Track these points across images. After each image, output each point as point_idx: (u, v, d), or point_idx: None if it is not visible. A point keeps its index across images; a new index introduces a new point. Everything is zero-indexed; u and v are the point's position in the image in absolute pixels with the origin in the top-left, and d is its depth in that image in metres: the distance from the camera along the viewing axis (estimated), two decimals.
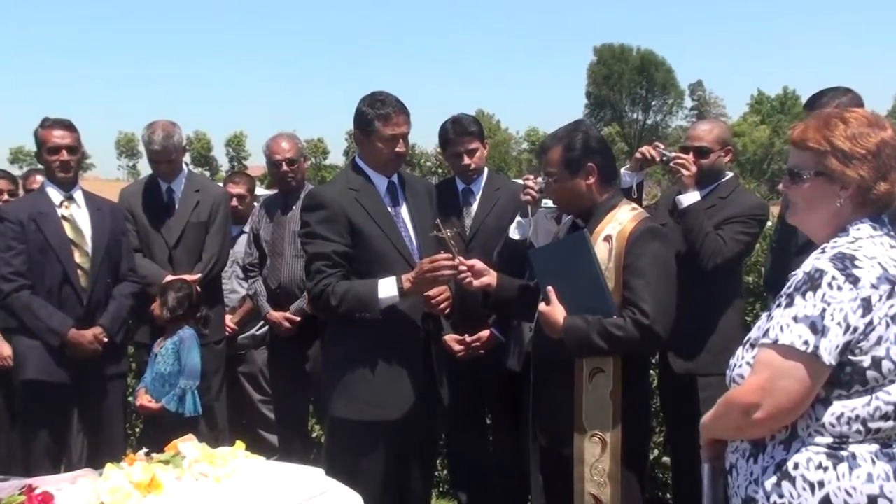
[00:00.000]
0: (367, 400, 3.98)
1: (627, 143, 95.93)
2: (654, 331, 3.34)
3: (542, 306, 3.55)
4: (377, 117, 4.01)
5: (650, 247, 3.43)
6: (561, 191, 3.66)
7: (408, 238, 4.11)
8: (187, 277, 5.36)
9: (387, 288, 3.91)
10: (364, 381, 3.99)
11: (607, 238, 3.49)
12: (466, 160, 4.99)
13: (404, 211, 4.17)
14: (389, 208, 4.12)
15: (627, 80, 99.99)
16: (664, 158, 4.51)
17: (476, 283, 3.89)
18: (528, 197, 4.46)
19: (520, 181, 4.75)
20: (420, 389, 4.03)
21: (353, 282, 3.95)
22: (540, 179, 4.45)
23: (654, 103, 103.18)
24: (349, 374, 4.03)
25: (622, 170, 4.66)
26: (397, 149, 4.05)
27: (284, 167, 5.69)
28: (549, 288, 3.54)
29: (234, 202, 6.21)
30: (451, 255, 3.85)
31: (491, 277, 3.91)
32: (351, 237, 3.99)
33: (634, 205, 3.69)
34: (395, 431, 4.02)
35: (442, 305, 4.06)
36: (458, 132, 4.98)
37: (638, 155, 4.57)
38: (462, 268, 3.84)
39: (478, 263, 3.91)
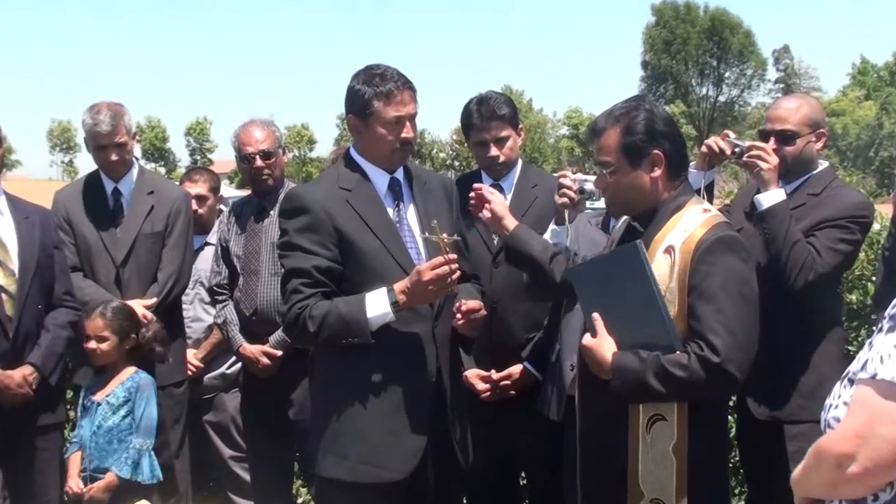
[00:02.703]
0: (361, 456, 3.98)
1: (695, 125, 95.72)
2: (726, 371, 3.32)
3: (586, 339, 3.56)
4: (376, 96, 4.00)
5: (723, 262, 3.40)
6: (617, 186, 3.63)
7: (414, 250, 4.10)
8: (140, 303, 5.40)
9: (377, 303, 3.90)
10: (356, 432, 3.99)
11: (669, 249, 3.47)
12: (494, 150, 5.02)
13: (411, 215, 4.18)
14: (391, 212, 4.13)
15: (694, 47, 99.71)
16: (737, 150, 4.51)
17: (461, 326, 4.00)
18: (565, 199, 4.47)
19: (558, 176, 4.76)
20: (430, 442, 4.01)
21: (336, 300, 3.95)
22: (579, 176, 4.46)
23: (728, 75, 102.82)
24: (337, 422, 4.03)
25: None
26: (404, 134, 4.04)
27: (258, 162, 5.73)
28: (595, 315, 3.54)
29: (194, 205, 6.21)
30: (453, 258, 3.84)
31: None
32: (339, 250, 3.99)
33: (708, 205, 3.68)
34: (398, 496, 4.01)
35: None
36: (485, 115, 5.00)
37: (704, 149, 4.57)
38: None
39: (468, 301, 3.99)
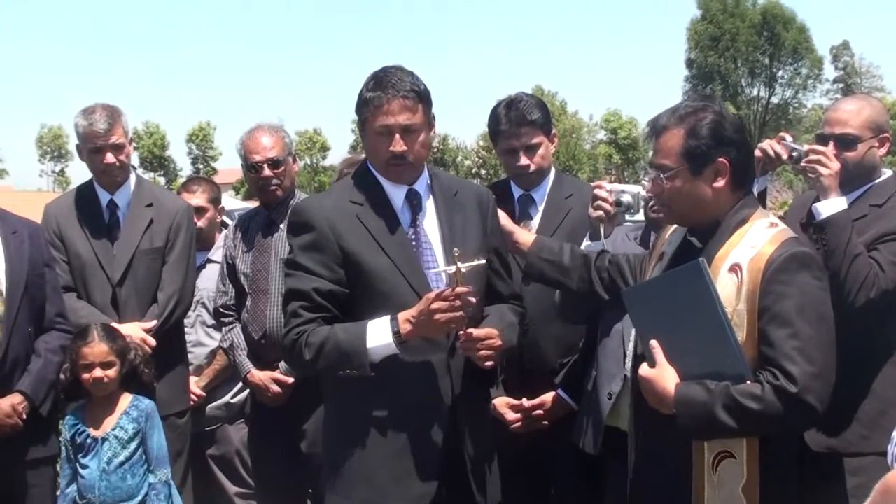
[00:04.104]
0: (365, 500, 3.97)
1: (745, 129, 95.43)
2: (805, 402, 3.28)
3: (643, 369, 3.53)
4: (367, 102, 4.00)
5: (798, 282, 3.37)
6: (675, 193, 3.60)
7: (433, 272, 4.04)
8: (139, 325, 5.42)
9: (378, 333, 3.87)
10: (361, 473, 3.98)
11: (734, 268, 3.44)
12: (524, 159, 5.02)
13: (432, 232, 4.13)
14: (408, 229, 4.10)
15: (744, 43, 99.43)
16: (794, 155, 4.51)
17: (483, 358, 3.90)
18: (600, 212, 4.46)
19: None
20: (443, 486, 3.97)
21: (335, 327, 3.93)
22: (616, 186, 4.45)
23: (781, 74, 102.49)
24: (342, 460, 4.03)
25: None
26: (392, 147, 3.99)
27: (266, 171, 5.75)
28: (653, 343, 3.51)
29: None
30: (465, 290, 3.78)
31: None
32: (346, 270, 3.98)
33: (775, 218, 3.65)
34: None
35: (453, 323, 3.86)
36: (515, 121, 5.01)
37: (758, 153, 4.57)
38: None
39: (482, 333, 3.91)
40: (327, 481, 4.11)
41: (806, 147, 4.54)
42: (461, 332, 3.87)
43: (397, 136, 3.97)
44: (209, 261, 6.42)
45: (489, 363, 3.95)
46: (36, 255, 5.16)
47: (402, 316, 3.84)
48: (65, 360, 5.13)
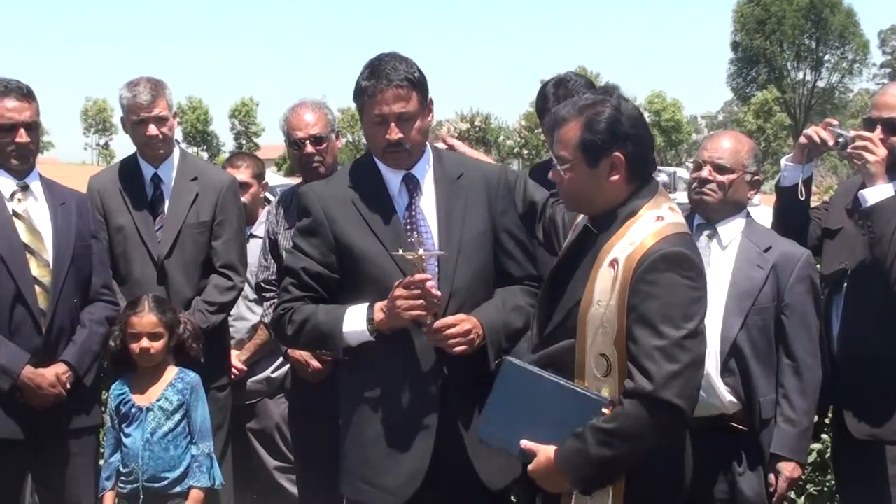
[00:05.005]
0: (363, 476, 4.14)
1: (790, 113, 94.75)
2: (662, 400, 3.29)
3: (529, 468, 3.55)
4: (361, 91, 4.12)
5: (665, 282, 3.38)
6: (573, 184, 3.65)
7: (394, 254, 4.09)
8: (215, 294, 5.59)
9: (355, 319, 4.01)
10: (359, 450, 4.15)
11: (613, 262, 3.47)
12: None
13: (430, 215, 4.21)
14: (402, 214, 4.19)
15: (790, 26, 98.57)
16: (840, 141, 4.47)
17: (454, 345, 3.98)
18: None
19: None
20: (441, 464, 4.06)
21: (319, 307, 4.09)
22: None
23: (827, 58, 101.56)
24: (347, 437, 4.21)
25: (782, 160, 4.64)
26: (387, 135, 4.09)
27: (308, 147, 5.76)
28: (524, 443, 3.54)
29: None
30: (424, 278, 3.88)
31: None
32: (337, 256, 4.12)
33: (667, 209, 3.61)
34: None
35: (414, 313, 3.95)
36: (562, 99, 4.96)
37: (802, 140, 4.55)
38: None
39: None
40: (340, 460, 4.27)
41: (852, 133, 4.50)
42: (427, 322, 3.97)
43: (392, 124, 4.07)
44: (252, 236, 6.43)
45: (458, 350, 4.01)
46: (83, 226, 5.20)
47: (378, 304, 3.98)
48: (110, 331, 5.16)
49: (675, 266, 3.39)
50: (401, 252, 3.93)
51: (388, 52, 4.18)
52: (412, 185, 4.22)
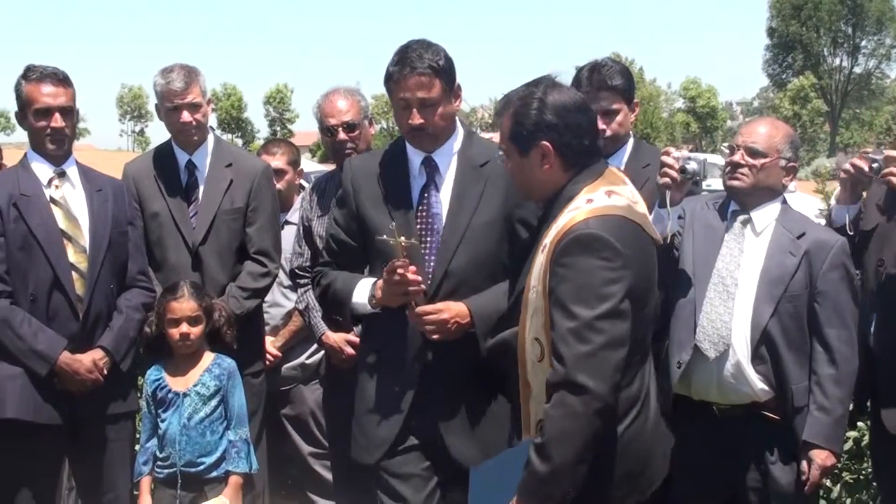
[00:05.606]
0: (354, 434, 4.48)
1: (826, 99, 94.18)
2: (575, 383, 3.29)
3: None
4: (389, 77, 4.30)
5: (579, 264, 3.39)
6: (514, 173, 3.78)
7: (433, 236, 4.33)
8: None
9: (362, 291, 4.32)
10: (354, 413, 4.51)
11: (544, 248, 3.51)
12: (600, 124, 4.96)
13: (445, 198, 4.37)
14: (417, 194, 4.37)
15: (827, 12, 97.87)
16: (874, 166, 4.43)
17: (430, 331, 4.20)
18: (666, 179, 4.44)
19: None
20: (416, 436, 4.33)
21: (340, 274, 4.41)
22: (683, 153, 4.46)
23: (864, 44, 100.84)
24: (353, 401, 4.54)
25: (832, 201, 4.60)
26: (410, 120, 4.27)
27: (341, 134, 5.76)
28: None
29: None
30: (403, 263, 4.08)
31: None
32: (357, 226, 4.41)
33: (612, 189, 3.61)
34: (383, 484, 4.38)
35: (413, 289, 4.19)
36: (595, 84, 4.98)
37: (843, 174, 4.52)
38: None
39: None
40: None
41: (885, 152, 4.44)
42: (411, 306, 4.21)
43: (414, 109, 4.25)
44: (287, 222, 6.43)
45: (434, 337, 4.22)
46: (120, 213, 5.23)
47: (379, 281, 4.23)
48: (146, 317, 5.20)
49: (587, 248, 3.40)
50: (384, 237, 4.12)
51: (416, 39, 4.32)
52: (430, 168, 4.39)
